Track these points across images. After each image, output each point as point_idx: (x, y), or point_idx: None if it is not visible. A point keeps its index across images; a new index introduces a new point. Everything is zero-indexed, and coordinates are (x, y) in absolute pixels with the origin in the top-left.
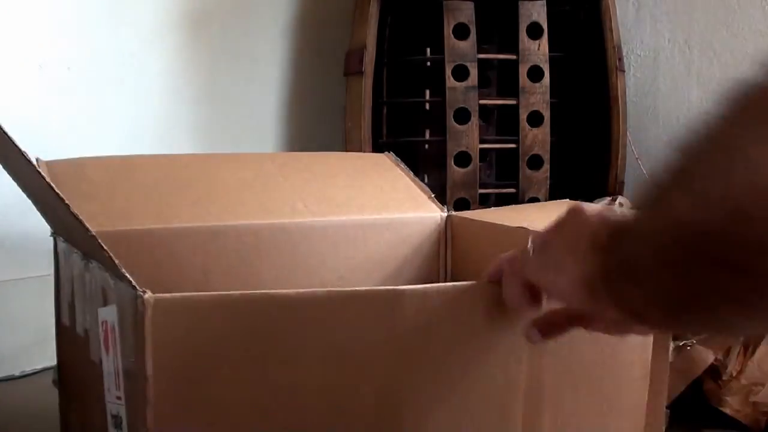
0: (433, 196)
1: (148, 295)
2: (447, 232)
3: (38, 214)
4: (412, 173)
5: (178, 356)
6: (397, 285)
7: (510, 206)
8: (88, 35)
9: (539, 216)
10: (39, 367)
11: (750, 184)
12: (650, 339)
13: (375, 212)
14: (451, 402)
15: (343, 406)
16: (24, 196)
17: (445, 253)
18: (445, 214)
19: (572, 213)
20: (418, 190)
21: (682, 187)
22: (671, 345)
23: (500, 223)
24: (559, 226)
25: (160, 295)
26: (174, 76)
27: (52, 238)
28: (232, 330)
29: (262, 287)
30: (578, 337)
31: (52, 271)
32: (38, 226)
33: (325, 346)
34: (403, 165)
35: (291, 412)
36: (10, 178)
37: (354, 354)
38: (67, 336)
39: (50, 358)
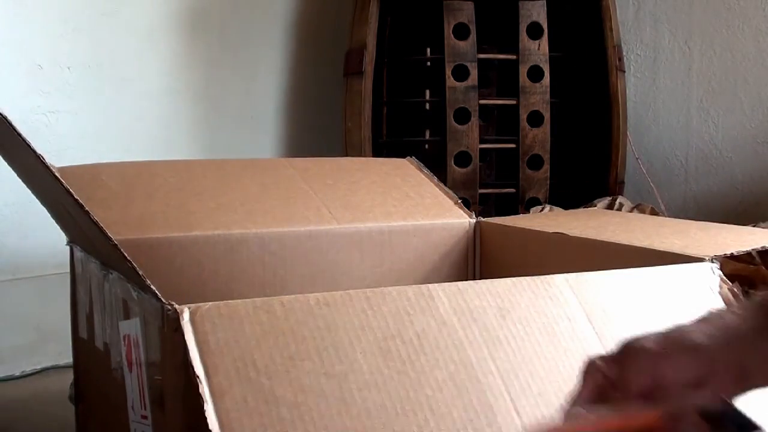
0: (459, 201)
1: (179, 307)
2: (476, 239)
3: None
4: (435, 178)
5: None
6: None
7: (537, 213)
8: (88, 35)
9: (575, 224)
10: (39, 367)
11: None
12: None
13: (401, 219)
14: None
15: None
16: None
17: (474, 261)
18: (474, 220)
19: None
20: (444, 196)
21: None
22: None
23: (534, 228)
24: None
25: (194, 305)
26: (174, 76)
27: (68, 247)
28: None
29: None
30: None
31: (52, 271)
32: (38, 226)
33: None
34: (426, 170)
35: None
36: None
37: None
38: (84, 350)
39: (50, 358)
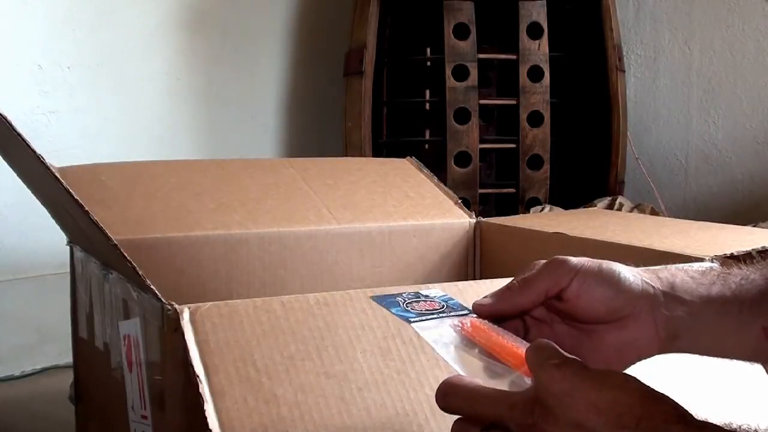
0: (459, 201)
1: (179, 306)
2: (476, 239)
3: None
4: (436, 178)
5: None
6: None
7: (537, 213)
8: (88, 35)
9: (575, 224)
10: (39, 367)
11: None
12: None
13: (401, 219)
14: None
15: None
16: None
17: (474, 261)
18: (474, 221)
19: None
20: (444, 196)
21: None
22: None
23: (534, 228)
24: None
25: (194, 305)
26: (174, 76)
27: (68, 247)
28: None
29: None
30: None
31: (52, 271)
32: (38, 226)
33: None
34: (426, 170)
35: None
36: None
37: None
38: (84, 350)
39: (50, 358)
